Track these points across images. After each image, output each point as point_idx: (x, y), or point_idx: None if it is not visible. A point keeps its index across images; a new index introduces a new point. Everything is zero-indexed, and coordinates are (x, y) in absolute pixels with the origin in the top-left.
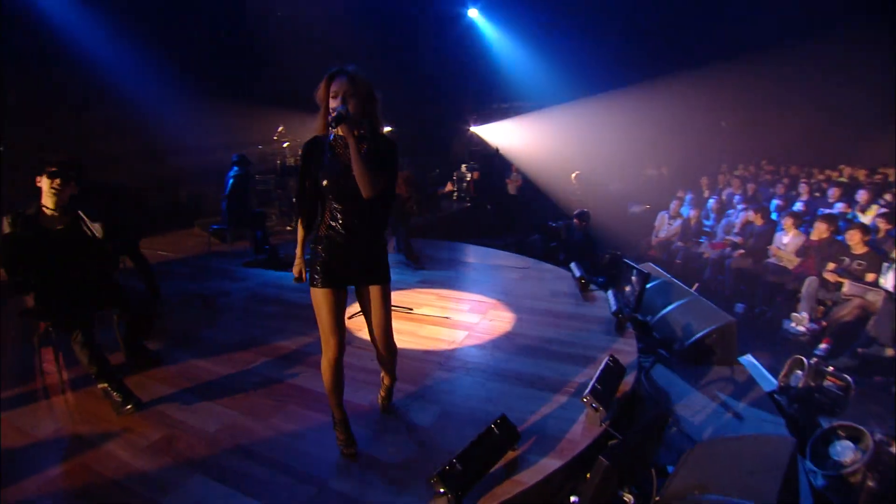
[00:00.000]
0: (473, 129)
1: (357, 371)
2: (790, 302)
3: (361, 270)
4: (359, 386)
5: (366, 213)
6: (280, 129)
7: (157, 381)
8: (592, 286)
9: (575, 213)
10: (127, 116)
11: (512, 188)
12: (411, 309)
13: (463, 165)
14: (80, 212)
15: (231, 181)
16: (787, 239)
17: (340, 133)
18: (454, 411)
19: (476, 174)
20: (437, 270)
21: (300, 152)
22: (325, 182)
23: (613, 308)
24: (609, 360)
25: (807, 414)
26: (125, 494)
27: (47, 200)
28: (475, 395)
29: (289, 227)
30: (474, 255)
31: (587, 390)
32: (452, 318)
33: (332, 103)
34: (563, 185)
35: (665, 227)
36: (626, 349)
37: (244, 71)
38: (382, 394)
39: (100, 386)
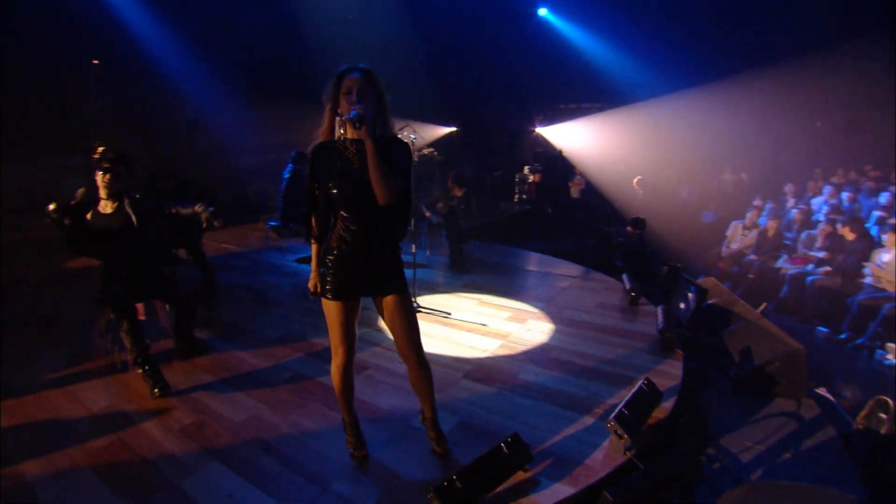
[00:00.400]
0: (539, 130)
1: (383, 373)
2: (888, 330)
3: (375, 280)
4: (382, 389)
5: (380, 220)
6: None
7: (200, 369)
8: (644, 300)
9: (630, 219)
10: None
11: (574, 191)
12: (449, 314)
13: (525, 167)
14: (126, 200)
15: (286, 178)
16: (889, 256)
17: (352, 136)
18: (473, 424)
19: (538, 176)
20: (484, 274)
21: (309, 158)
22: (335, 190)
23: (661, 325)
24: (644, 383)
25: (887, 466)
26: (151, 472)
27: (101, 192)
28: (498, 409)
29: None
30: (525, 260)
31: (613, 414)
32: (489, 325)
33: (344, 102)
34: (629, 190)
35: (738, 237)
36: (671, 371)
37: (311, 71)
38: (430, 433)
39: (137, 369)
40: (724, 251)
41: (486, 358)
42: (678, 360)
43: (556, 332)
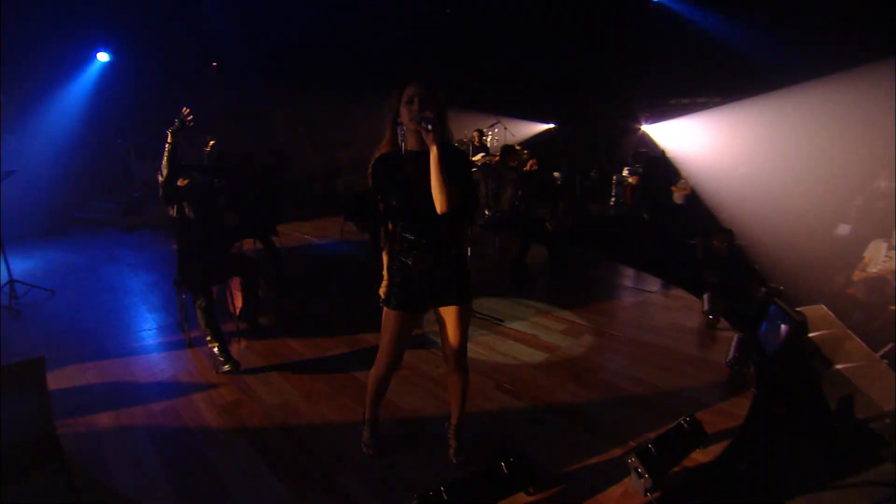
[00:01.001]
0: (645, 127)
1: (417, 375)
2: None
3: (439, 292)
4: (410, 390)
5: (439, 230)
6: None
7: (254, 352)
8: (727, 324)
9: (715, 229)
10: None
11: (678, 197)
12: (503, 320)
13: (625, 168)
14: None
15: None
16: None
17: (413, 147)
18: (492, 439)
19: (636, 179)
20: (551, 281)
21: (369, 172)
22: (395, 202)
23: (730, 357)
24: (684, 419)
25: None
26: (188, 439)
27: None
28: (522, 427)
29: None
30: (601, 268)
31: (635, 448)
32: (540, 336)
33: (406, 111)
34: (747, 195)
35: (881, 259)
36: (734, 412)
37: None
38: (451, 441)
39: (209, 346)
40: (858, 274)
41: (526, 370)
42: (747, 399)
43: (612, 350)
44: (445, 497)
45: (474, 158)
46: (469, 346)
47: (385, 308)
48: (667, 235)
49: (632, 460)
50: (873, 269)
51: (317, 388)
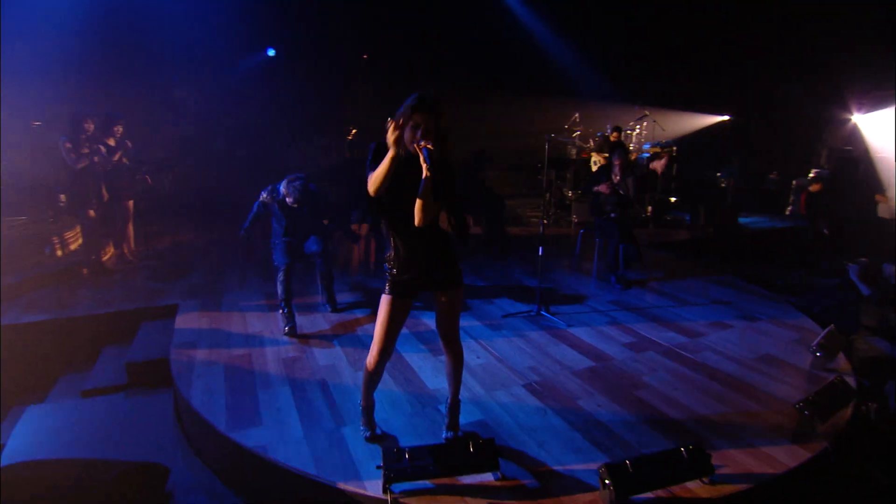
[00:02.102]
0: (856, 117)
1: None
2: None
3: (429, 276)
4: (441, 374)
5: (428, 226)
6: (575, 116)
7: (327, 321)
8: (834, 363)
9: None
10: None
11: (884, 210)
12: (566, 325)
13: (813, 171)
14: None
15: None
16: None
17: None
18: (491, 426)
19: (818, 186)
20: (648, 291)
21: (372, 151)
22: (386, 197)
23: (801, 400)
24: (684, 447)
25: None
26: (249, 378)
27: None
28: (525, 422)
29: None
30: (720, 286)
31: (610, 461)
32: (597, 345)
33: (410, 133)
34: None
35: None
36: (778, 459)
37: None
38: (447, 418)
39: (280, 311)
40: None
41: (563, 375)
42: (806, 449)
43: (669, 371)
44: (407, 457)
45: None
46: (519, 343)
47: (383, 294)
48: (841, 257)
49: (602, 470)
50: None
51: (362, 358)
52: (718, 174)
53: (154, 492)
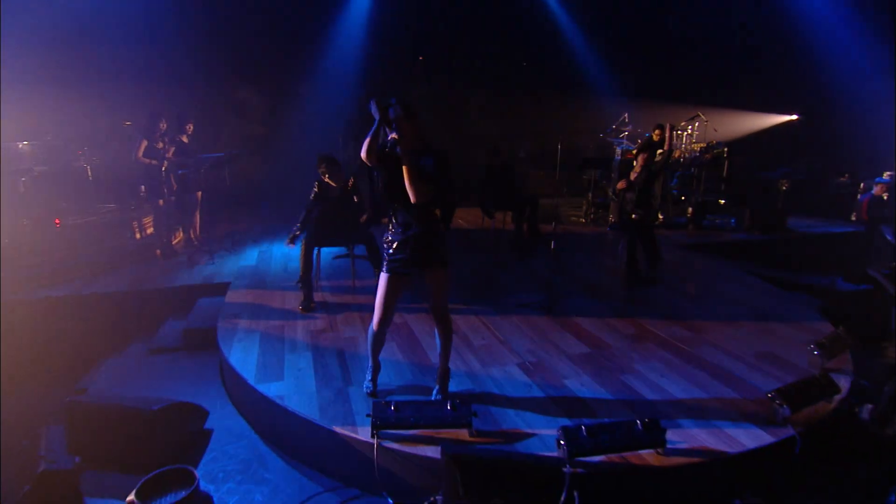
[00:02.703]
0: None
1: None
2: None
3: (416, 258)
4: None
5: (419, 212)
6: (624, 115)
7: (354, 301)
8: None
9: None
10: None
11: None
12: (577, 316)
13: (886, 173)
14: (351, 183)
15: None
16: None
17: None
18: (476, 394)
19: (882, 187)
20: (672, 293)
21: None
22: (381, 185)
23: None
24: (640, 420)
25: None
26: (279, 345)
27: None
28: (507, 391)
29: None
30: (736, 284)
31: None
32: (597, 334)
33: (386, 130)
34: None
35: None
36: (740, 441)
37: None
38: (437, 384)
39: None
40: None
41: (557, 357)
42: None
43: (663, 360)
44: (393, 409)
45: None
46: (524, 329)
47: (382, 273)
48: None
49: (558, 432)
50: None
51: (407, 336)
52: (779, 176)
53: (194, 426)
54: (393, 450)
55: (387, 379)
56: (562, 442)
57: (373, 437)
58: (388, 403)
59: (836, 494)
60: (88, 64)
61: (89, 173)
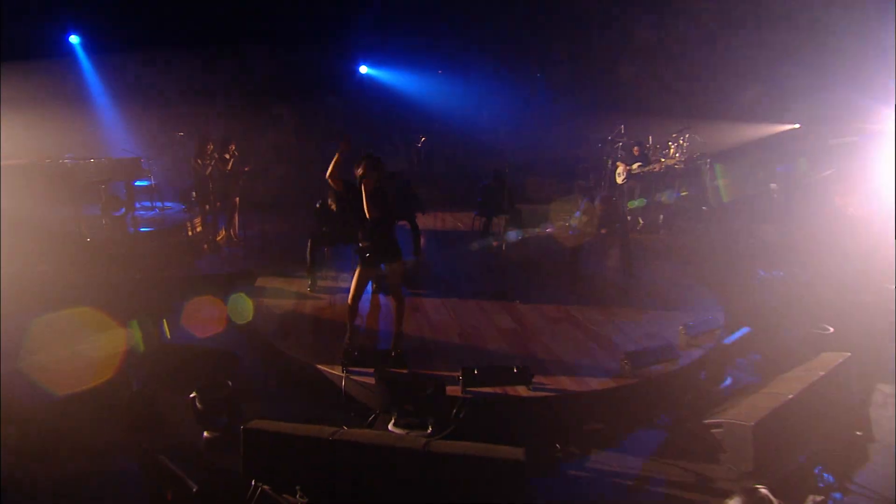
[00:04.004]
0: None
1: (419, 318)
2: None
3: (379, 256)
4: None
5: (381, 225)
6: (620, 127)
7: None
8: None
9: None
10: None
11: None
12: (521, 302)
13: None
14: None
15: (484, 184)
16: None
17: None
18: (419, 353)
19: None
20: (619, 293)
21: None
22: (353, 206)
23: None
24: (516, 366)
25: None
26: (293, 314)
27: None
28: (445, 353)
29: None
30: (685, 289)
31: (462, 370)
32: (531, 317)
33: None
34: None
35: None
36: (587, 382)
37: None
38: (392, 345)
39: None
40: None
41: (489, 329)
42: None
43: (569, 336)
44: (355, 354)
45: (629, 167)
46: (474, 310)
47: (359, 267)
48: None
49: (459, 370)
50: None
51: (375, 312)
52: (773, 185)
53: (230, 366)
54: (353, 379)
55: (361, 339)
56: (459, 377)
57: (342, 371)
58: (353, 349)
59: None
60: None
61: (151, 178)
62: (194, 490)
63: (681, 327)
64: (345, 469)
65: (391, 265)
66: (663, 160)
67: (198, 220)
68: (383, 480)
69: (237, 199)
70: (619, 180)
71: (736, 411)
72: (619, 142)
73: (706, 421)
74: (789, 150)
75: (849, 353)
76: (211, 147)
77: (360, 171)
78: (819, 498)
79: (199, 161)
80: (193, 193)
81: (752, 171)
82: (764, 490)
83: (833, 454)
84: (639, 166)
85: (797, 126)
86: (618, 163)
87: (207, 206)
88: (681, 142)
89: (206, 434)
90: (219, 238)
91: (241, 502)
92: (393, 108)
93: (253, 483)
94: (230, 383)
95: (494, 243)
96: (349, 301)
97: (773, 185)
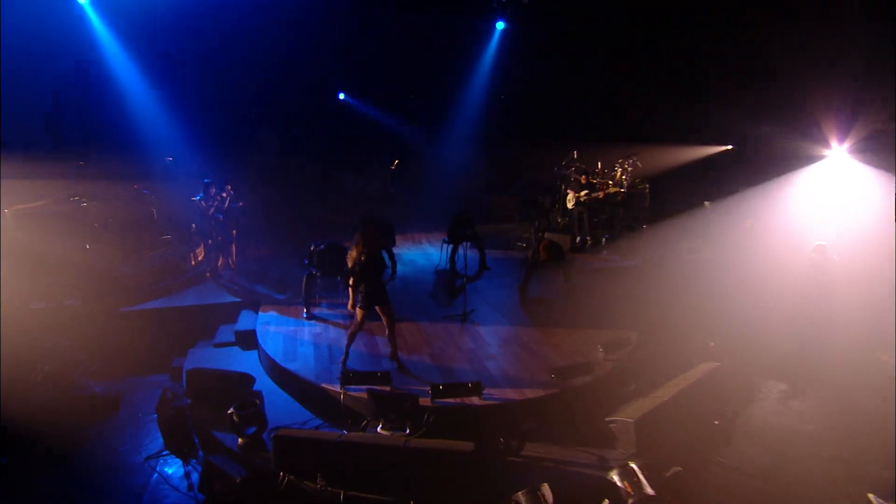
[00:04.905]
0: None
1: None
2: None
3: (371, 299)
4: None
5: (376, 279)
6: (573, 153)
7: (341, 314)
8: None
9: None
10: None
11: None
12: (478, 325)
13: None
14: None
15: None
16: None
17: None
18: (401, 370)
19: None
20: (559, 314)
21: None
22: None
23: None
24: (470, 382)
25: None
26: (294, 340)
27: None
28: (418, 370)
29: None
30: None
31: (431, 386)
32: (485, 338)
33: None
34: None
35: None
36: (530, 395)
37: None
38: (390, 356)
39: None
40: None
41: (452, 348)
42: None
43: (514, 354)
44: (350, 374)
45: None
46: (440, 331)
47: (358, 308)
48: None
49: (429, 387)
50: None
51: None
52: (706, 202)
53: (246, 387)
54: (350, 395)
55: (355, 362)
56: (429, 391)
57: (341, 388)
58: (349, 371)
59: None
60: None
61: (155, 215)
62: (237, 481)
63: (599, 346)
64: (348, 461)
65: (381, 307)
66: (604, 190)
67: (199, 251)
68: (376, 468)
69: (234, 231)
70: (570, 205)
71: (626, 411)
72: (573, 166)
73: (606, 419)
74: (722, 170)
75: (718, 364)
76: (213, 190)
77: (363, 246)
78: (678, 468)
79: (204, 203)
80: (193, 226)
81: (688, 190)
82: (632, 465)
83: (698, 437)
84: (585, 194)
85: (731, 147)
86: (568, 190)
87: (210, 241)
88: (626, 166)
89: (240, 440)
90: (219, 265)
91: (273, 489)
92: (369, 133)
93: (282, 474)
94: (257, 402)
95: (459, 278)
96: (349, 334)
97: (706, 203)
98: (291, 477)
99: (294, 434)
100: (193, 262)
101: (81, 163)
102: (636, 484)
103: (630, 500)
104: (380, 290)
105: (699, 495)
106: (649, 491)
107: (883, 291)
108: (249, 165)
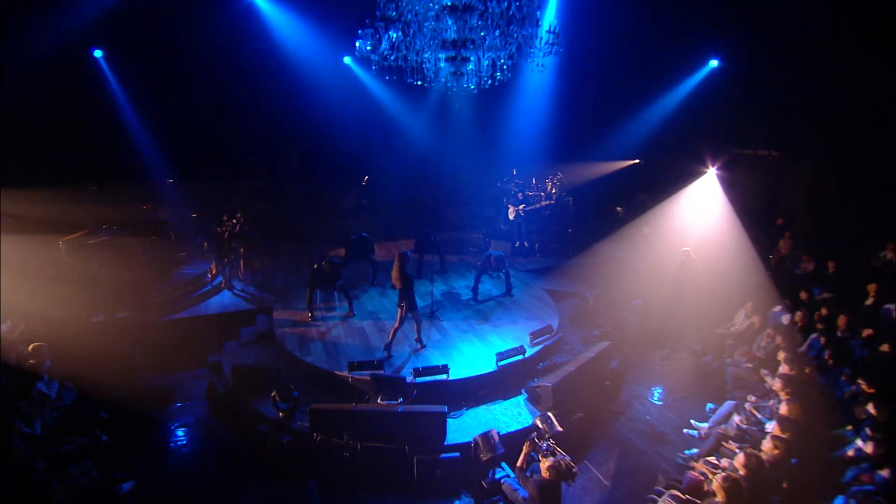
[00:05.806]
0: (712, 171)
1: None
2: None
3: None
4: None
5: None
6: (514, 171)
7: (342, 315)
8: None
9: None
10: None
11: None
12: (440, 320)
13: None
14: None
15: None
16: None
17: None
18: (392, 358)
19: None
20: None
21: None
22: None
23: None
24: (440, 366)
25: None
26: (306, 337)
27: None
28: (406, 362)
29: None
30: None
31: (413, 370)
32: (455, 331)
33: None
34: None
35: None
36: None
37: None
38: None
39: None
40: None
41: (423, 339)
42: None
43: (469, 342)
44: (356, 364)
45: (517, 208)
46: (432, 327)
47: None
48: None
49: (411, 372)
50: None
51: (353, 329)
52: (618, 208)
53: (276, 377)
54: (357, 378)
55: (357, 354)
56: (412, 374)
57: (349, 373)
58: (355, 361)
59: None
60: None
61: (174, 238)
62: (284, 442)
63: (530, 333)
64: (361, 422)
65: (402, 306)
66: (539, 202)
67: (212, 266)
68: (380, 426)
69: (242, 248)
70: (511, 217)
71: (547, 378)
72: (514, 181)
73: (532, 385)
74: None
75: (609, 342)
76: (225, 218)
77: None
78: (580, 414)
79: (219, 229)
80: (205, 244)
81: (600, 199)
82: (549, 413)
83: (595, 394)
84: (523, 208)
85: (637, 161)
86: (509, 204)
87: (226, 260)
88: (555, 181)
89: (280, 414)
90: (230, 277)
91: (309, 443)
92: (343, 152)
93: (315, 435)
94: (291, 386)
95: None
96: (394, 328)
97: (618, 209)
98: (322, 436)
99: (322, 407)
100: (210, 276)
101: (94, 188)
102: (552, 425)
103: (546, 435)
104: (410, 295)
105: (593, 431)
106: (559, 428)
107: (723, 284)
108: (240, 188)
